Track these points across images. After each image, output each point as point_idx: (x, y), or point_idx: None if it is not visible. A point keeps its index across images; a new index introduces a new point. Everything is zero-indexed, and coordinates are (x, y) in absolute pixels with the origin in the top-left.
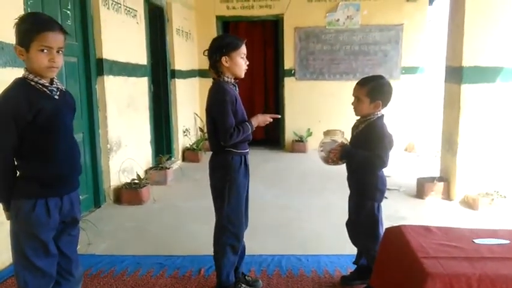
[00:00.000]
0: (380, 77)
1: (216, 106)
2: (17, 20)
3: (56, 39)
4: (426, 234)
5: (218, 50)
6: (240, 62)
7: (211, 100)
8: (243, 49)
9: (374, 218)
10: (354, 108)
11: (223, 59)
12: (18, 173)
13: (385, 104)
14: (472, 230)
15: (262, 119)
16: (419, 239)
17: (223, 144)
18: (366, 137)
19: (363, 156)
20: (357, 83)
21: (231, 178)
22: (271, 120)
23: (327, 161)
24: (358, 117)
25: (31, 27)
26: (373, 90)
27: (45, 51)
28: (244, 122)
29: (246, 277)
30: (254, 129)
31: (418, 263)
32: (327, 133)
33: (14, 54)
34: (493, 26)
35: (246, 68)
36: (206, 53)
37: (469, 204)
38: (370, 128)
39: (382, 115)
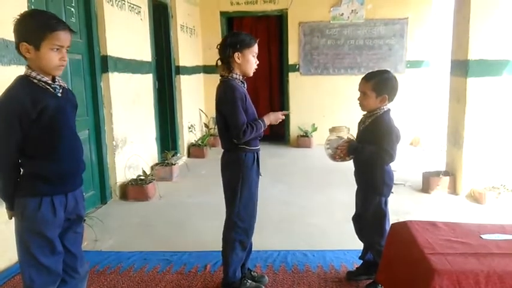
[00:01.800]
0: (386, 72)
1: (227, 104)
2: (19, 17)
3: (66, 38)
4: (433, 229)
5: (232, 46)
6: (251, 60)
7: (221, 98)
8: (256, 48)
9: (381, 213)
10: (360, 103)
11: (236, 55)
12: (22, 171)
13: (391, 98)
14: (479, 225)
15: (274, 118)
16: (425, 234)
17: (236, 142)
18: (373, 132)
19: (370, 151)
20: (363, 78)
21: (243, 175)
22: (283, 117)
23: (334, 158)
24: (365, 112)
25: (43, 26)
26: (379, 84)
27: (56, 50)
28: (257, 119)
29: (252, 273)
30: (266, 127)
31: (424, 259)
32: (332, 130)
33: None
34: (499, 19)
35: (256, 67)
36: (218, 47)
37: (475, 198)
38: (377, 123)
39: (389, 109)
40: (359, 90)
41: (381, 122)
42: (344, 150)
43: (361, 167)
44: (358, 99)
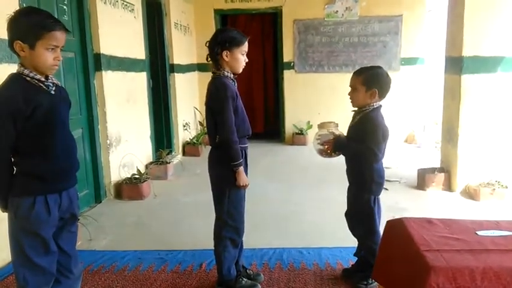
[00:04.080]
0: (377, 67)
1: (218, 102)
2: (14, 14)
3: (62, 38)
4: (428, 226)
5: (221, 43)
6: (240, 59)
7: (212, 95)
8: (245, 46)
9: (369, 210)
10: (350, 98)
11: (224, 53)
12: (15, 170)
13: (381, 94)
14: (474, 222)
15: (243, 179)
16: (421, 231)
17: (222, 140)
18: (360, 129)
19: (354, 148)
20: (354, 73)
21: (232, 174)
22: (245, 187)
23: (322, 154)
24: (356, 109)
25: (39, 25)
26: (369, 78)
27: (51, 49)
28: (241, 157)
29: (248, 271)
30: (239, 164)
31: (420, 256)
32: (321, 126)
33: (10, 50)
34: (494, 15)
35: (244, 65)
36: (207, 44)
37: (470, 194)
38: (364, 120)
39: (379, 106)
40: (350, 85)
41: (369, 120)
42: (330, 146)
43: (351, 164)
44: (349, 94)
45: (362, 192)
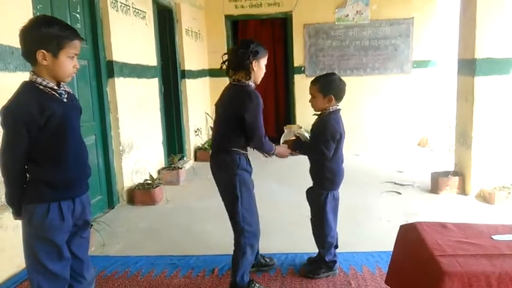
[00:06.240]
0: (331, 74)
1: (252, 111)
2: (35, 24)
3: (79, 46)
4: (442, 231)
5: (253, 54)
6: (263, 70)
7: (243, 104)
8: (266, 58)
9: (320, 205)
10: (311, 104)
11: (254, 62)
12: (28, 177)
13: (337, 98)
14: (489, 226)
15: (283, 151)
16: (435, 236)
17: (255, 147)
18: (315, 130)
19: (306, 147)
20: (311, 82)
21: (240, 178)
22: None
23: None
24: (318, 113)
25: (62, 34)
26: (324, 86)
27: (71, 58)
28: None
29: (262, 259)
30: (275, 150)
31: (434, 261)
32: (287, 127)
33: (23, 59)
34: (506, 17)
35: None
36: (239, 52)
37: (485, 198)
38: (320, 122)
39: (337, 110)
40: (310, 93)
41: (324, 121)
42: (290, 146)
43: (310, 162)
44: (309, 101)
45: (316, 188)
